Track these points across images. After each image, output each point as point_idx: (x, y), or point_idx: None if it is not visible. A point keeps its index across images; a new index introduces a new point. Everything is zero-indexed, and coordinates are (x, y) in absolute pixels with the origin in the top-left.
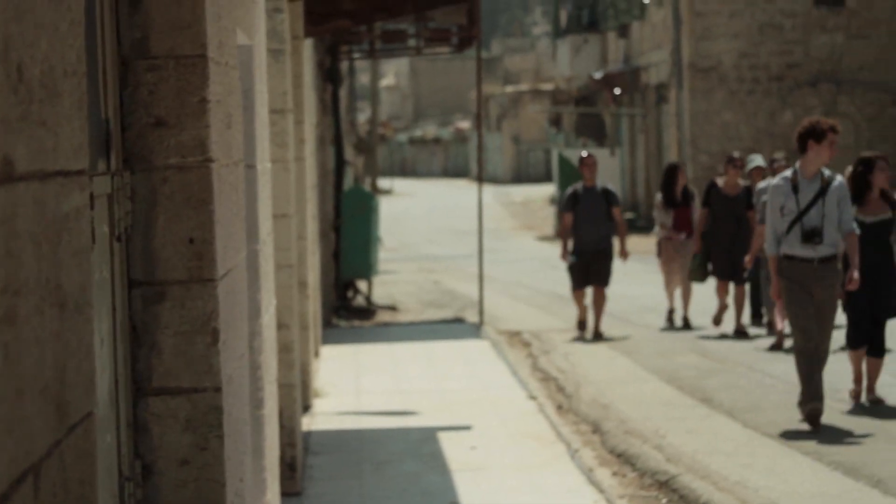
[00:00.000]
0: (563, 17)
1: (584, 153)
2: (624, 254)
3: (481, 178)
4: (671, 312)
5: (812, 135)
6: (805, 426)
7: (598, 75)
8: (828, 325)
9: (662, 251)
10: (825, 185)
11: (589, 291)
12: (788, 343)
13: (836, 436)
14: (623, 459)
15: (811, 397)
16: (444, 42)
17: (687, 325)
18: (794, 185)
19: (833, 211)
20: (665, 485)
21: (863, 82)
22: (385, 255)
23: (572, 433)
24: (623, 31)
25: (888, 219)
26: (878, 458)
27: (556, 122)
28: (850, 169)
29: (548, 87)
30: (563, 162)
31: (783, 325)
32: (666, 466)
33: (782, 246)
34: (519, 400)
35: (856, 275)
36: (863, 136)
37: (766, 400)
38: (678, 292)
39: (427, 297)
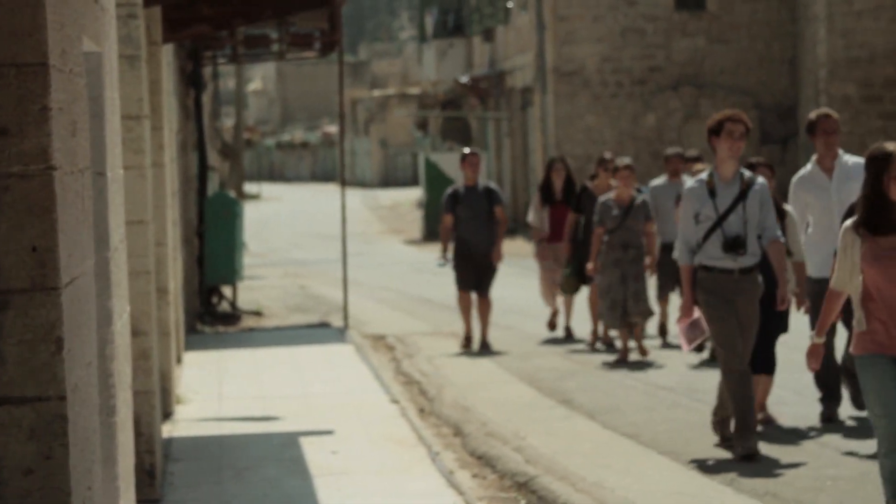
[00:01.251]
0: (429, 21)
1: (467, 150)
2: (497, 255)
3: (343, 182)
4: (555, 315)
5: (712, 131)
6: (669, 429)
7: (463, 79)
8: (750, 342)
9: (540, 254)
10: (745, 187)
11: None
12: (634, 356)
13: (693, 435)
14: (483, 461)
15: (745, 430)
16: (307, 47)
17: (570, 336)
18: (711, 189)
19: (754, 217)
20: (524, 486)
21: (724, 86)
22: (251, 261)
23: (434, 436)
24: (488, 36)
25: None
26: (734, 457)
27: (422, 126)
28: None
29: (415, 91)
30: (430, 166)
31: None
32: (525, 468)
33: (698, 256)
34: (381, 404)
35: (783, 295)
36: None
37: (626, 401)
38: (561, 299)
39: (293, 301)
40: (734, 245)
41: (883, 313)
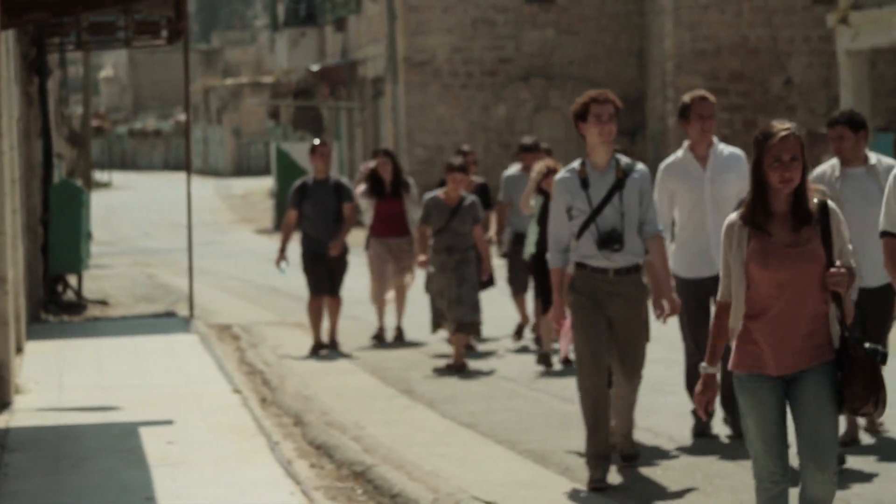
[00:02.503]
0: (282, 10)
1: (317, 140)
2: (335, 246)
3: (189, 170)
4: (381, 330)
5: (577, 116)
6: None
7: (315, 69)
8: (626, 358)
9: (371, 249)
10: (622, 175)
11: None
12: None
13: (531, 424)
14: (322, 451)
15: (595, 459)
16: (153, 35)
17: (400, 338)
18: (584, 180)
19: (633, 209)
20: (361, 475)
21: (573, 77)
22: (98, 249)
23: (274, 426)
24: (340, 25)
25: None
26: (569, 446)
27: (274, 115)
28: None
29: (268, 80)
30: (281, 155)
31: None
32: (363, 457)
33: (573, 253)
34: (223, 394)
35: (671, 301)
36: (573, 131)
37: (467, 392)
38: (392, 295)
39: (140, 291)
40: (609, 240)
41: (769, 326)
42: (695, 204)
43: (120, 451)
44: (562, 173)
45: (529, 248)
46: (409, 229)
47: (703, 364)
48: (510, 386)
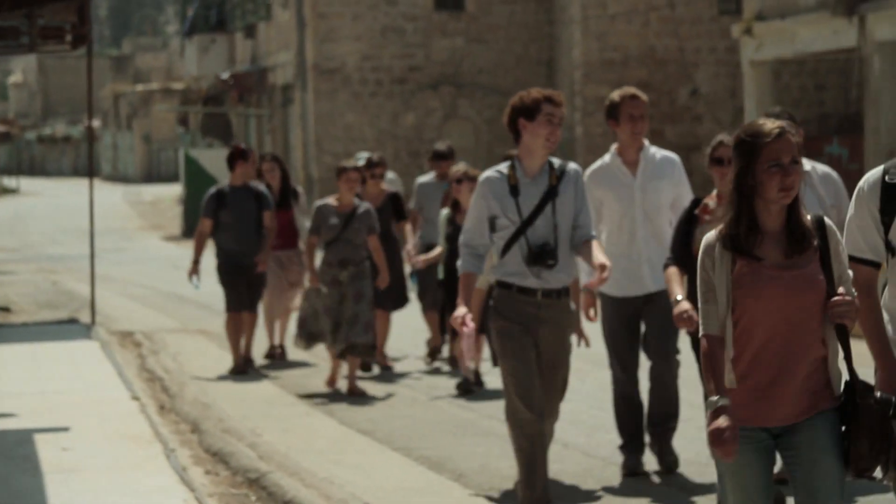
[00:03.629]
0: (192, 16)
1: (242, 144)
2: (263, 264)
3: (92, 176)
4: (273, 348)
5: (522, 111)
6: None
7: (225, 75)
8: (554, 391)
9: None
10: (555, 183)
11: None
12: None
13: (428, 431)
14: (218, 458)
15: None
16: (58, 40)
17: (282, 355)
18: (514, 186)
19: (568, 220)
20: (255, 482)
21: (482, 86)
22: (4, 256)
23: (171, 433)
24: (250, 32)
25: None
26: (464, 453)
27: (184, 121)
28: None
29: (178, 86)
30: (190, 161)
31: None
32: (258, 464)
33: (496, 270)
34: (122, 400)
35: (591, 313)
36: (482, 139)
37: (365, 398)
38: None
39: (43, 297)
40: (541, 256)
41: (760, 366)
42: (624, 214)
43: (13, 458)
44: (489, 173)
45: (441, 271)
46: (299, 241)
47: (713, 399)
48: (409, 393)
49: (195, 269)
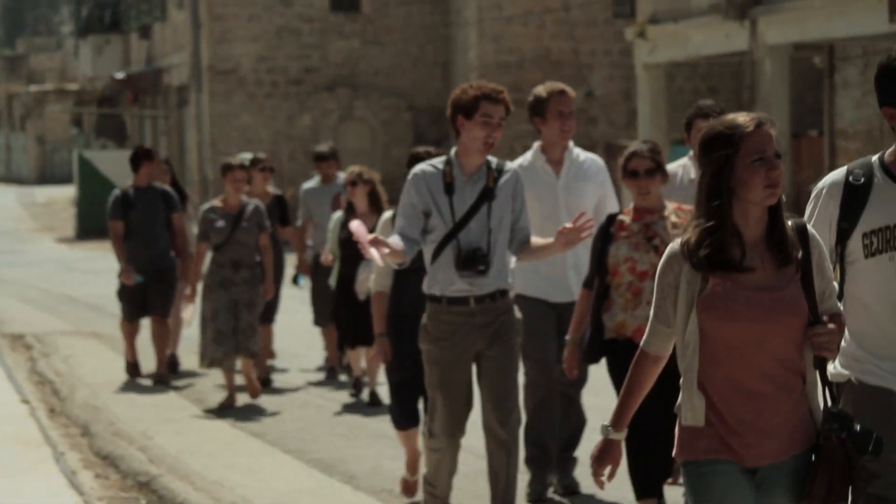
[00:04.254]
0: (86, 16)
1: (146, 144)
2: (186, 278)
3: None
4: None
5: (460, 108)
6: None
7: (120, 76)
8: (500, 407)
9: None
10: (492, 185)
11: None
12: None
13: (320, 434)
14: (108, 461)
15: None
16: None
17: (172, 372)
18: (449, 184)
19: (504, 221)
20: (146, 486)
21: (378, 87)
22: None
23: (61, 436)
24: (145, 33)
25: None
26: (355, 455)
27: (78, 122)
28: None
29: (73, 87)
30: (83, 163)
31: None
32: (148, 467)
33: (426, 283)
34: (11, 404)
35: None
36: (379, 141)
37: (257, 401)
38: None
39: None
40: (471, 260)
41: (731, 400)
42: (547, 216)
43: None
44: (423, 166)
45: (333, 278)
46: (188, 248)
47: (608, 425)
48: (302, 396)
49: (128, 273)
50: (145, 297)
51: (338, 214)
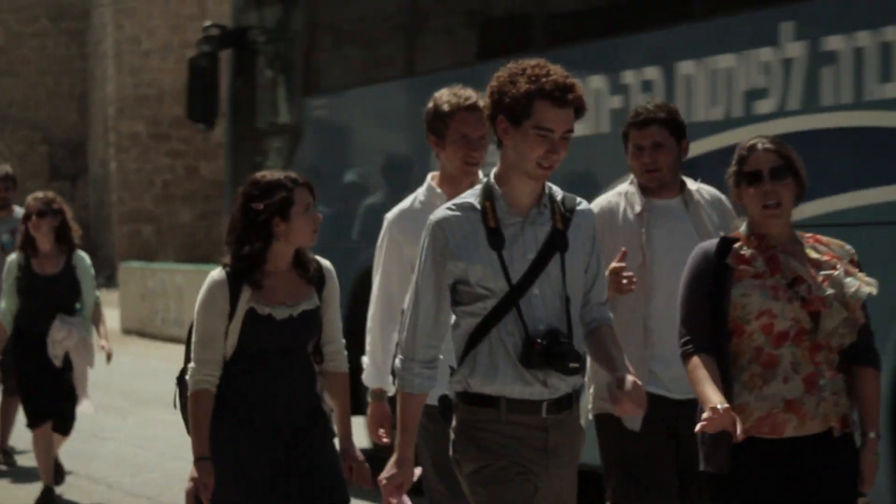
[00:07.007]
0: None
1: None
2: None
3: None
4: None
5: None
6: None
7: None
8: None
9: None
10: (562, 226)
11: None
12: None
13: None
14: None
15: None
16: None
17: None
18: (494, 230)
19: (577, 282)
20: None
21: (13, 119)
22: None
23: None
24: None
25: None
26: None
27: None
28: None
29: None
30: None
31: None
32: None
33: (459, 374)
34: None
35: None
36: (15, 173)
37: None
38: None
39: None
40: (553, 352)
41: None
42: None
43: None
44: (444, 212)
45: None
46: None
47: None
48: None
49: None
50: None
51: (15, 256)
